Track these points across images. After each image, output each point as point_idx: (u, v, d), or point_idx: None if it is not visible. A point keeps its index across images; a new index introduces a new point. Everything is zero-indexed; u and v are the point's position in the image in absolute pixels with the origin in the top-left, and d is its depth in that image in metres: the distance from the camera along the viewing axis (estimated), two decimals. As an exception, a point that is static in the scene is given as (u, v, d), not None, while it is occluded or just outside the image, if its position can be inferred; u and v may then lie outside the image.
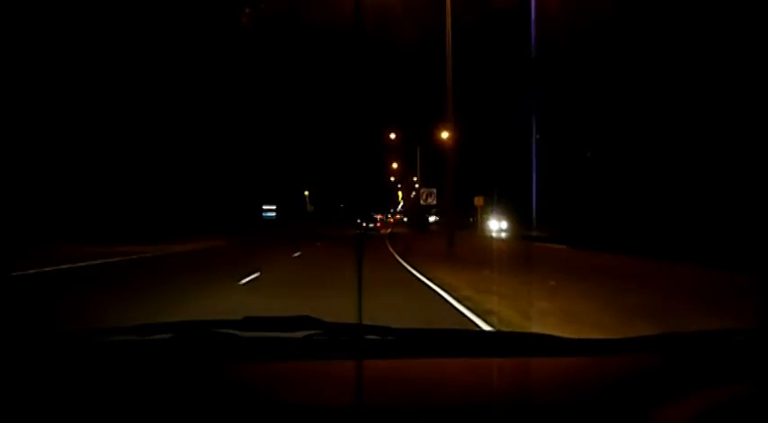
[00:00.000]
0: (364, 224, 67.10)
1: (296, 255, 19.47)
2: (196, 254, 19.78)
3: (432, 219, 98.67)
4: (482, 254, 18.68)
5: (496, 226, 39.63)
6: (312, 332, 1.39)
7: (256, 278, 11.22)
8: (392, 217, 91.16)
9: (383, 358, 1.32)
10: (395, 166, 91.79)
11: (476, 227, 33.94)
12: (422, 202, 23.83)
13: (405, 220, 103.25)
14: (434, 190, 23.84)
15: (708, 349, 1.34)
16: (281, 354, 1.33)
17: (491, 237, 34.83)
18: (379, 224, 68.78)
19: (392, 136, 58.47)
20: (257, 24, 36.87)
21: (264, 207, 65.48)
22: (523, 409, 1.05)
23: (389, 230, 61.05)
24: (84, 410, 1.07)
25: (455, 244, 18.96)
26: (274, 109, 58.54)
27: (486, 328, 6.39)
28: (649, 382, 1.17)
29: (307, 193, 75.54)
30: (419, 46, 52.32)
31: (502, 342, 1.62)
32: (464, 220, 45.46)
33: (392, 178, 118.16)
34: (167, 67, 32.42)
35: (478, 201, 24.52)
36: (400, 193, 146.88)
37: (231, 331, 1.42)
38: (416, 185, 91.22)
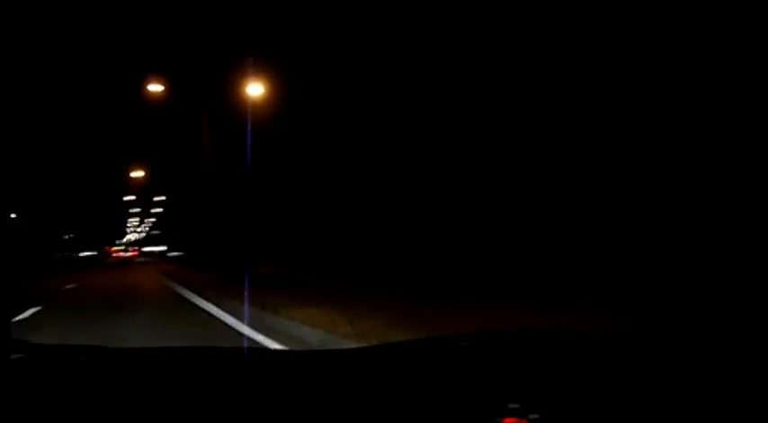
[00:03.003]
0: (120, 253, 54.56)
1: None
2: None
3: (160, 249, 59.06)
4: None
5: None
6: None
7: None
8: (132, 250, 66.06)
9: None
10: (138, 174, 39.70)
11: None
12: None
13: (151, 251, 62.38)
14: None
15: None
16: None
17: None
18: (132, 253, 56.54)
19: (155, 88, 19.64)
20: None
21: None
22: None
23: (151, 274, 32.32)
24: None
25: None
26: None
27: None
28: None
29: (14, 215, 39.26)
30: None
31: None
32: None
33: (129, 197, 60.37)
34: None
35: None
36: (135, 220, 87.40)
37: None
38: (159, 210, 51.62)
